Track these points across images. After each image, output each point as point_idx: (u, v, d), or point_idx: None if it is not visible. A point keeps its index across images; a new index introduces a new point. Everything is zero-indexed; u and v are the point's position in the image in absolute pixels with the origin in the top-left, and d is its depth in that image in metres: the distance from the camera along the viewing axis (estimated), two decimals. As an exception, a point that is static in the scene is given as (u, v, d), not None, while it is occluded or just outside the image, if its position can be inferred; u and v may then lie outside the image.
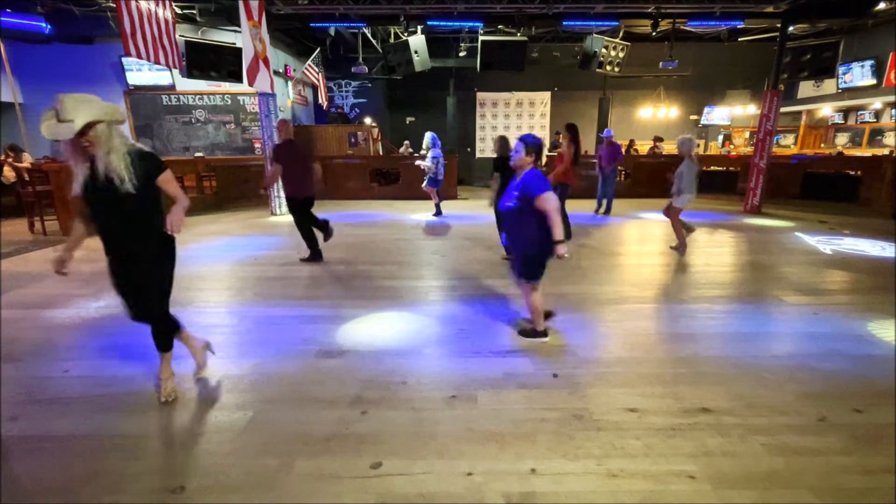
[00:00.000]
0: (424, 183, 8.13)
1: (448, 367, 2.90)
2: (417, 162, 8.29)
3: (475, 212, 8.74)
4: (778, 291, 4.30)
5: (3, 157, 8.41)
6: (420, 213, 8.72)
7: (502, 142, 5.16)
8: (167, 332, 2.51)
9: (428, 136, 7.89)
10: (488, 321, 3.61)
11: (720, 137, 15.19)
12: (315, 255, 5.38)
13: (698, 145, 6.29)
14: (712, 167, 11.10)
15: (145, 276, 2.32)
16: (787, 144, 14.48)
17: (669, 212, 5.60)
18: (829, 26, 10.58)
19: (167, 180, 2.29)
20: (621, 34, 10.84)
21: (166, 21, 6.59)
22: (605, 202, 8.55)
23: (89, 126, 2.01)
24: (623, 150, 12.67)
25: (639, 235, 6.95)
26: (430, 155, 7.86)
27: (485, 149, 15.47)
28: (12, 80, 8.60)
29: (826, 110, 13.30)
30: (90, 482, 1.94)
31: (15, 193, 7.92)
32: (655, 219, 8.13)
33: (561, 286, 4.43)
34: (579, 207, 8.78)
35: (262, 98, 8.12)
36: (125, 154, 2.11)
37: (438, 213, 8.47)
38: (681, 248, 5.68)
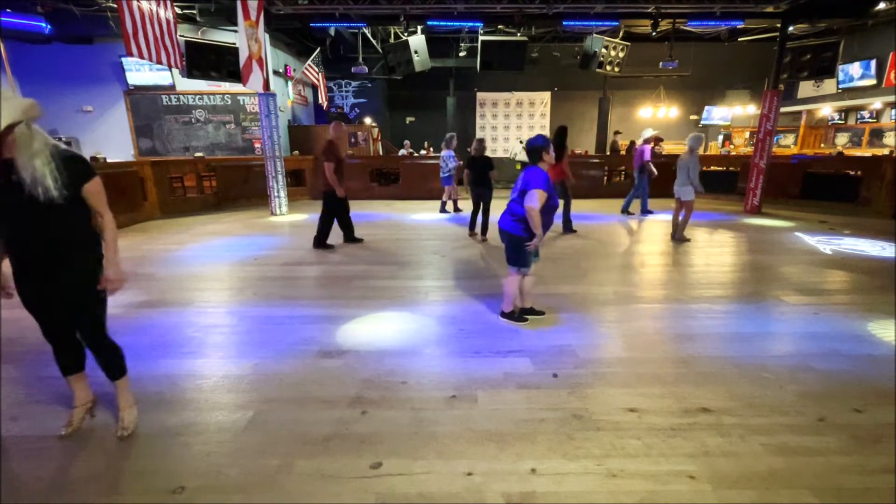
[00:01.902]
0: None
1: (448, 367, 2.90)
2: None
3: (463, 208, 8.72)
4: (778, 291, 4.30)
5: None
6: (420, 213, 8.73)
7: (480, 143, 6.38)
8: (113, 356, 2.22)
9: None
10: (488, 321, 3.61)
11: (720, 137, 15.20)
12: (321, 243, 5.94)
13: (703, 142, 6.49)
14: (712, 167, 11.10)
15: (75, 297, 2.02)
16: (787, 144, 14.48)
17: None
18: (829, 26, 10.58)
19: (94, 191, 1.99)
20: (621, 34, 10.84)
21: (167, 21, 6.59)
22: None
23: (9, 129, 1.73)
24: (623, 150, 12.73)
25: (639, 235, 6.95)
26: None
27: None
28: (12, 80, 8.59)
29: (826, 110, 13.30)
30: (90, 482, 1.94)
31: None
32: (655, 218, 8.13)
33: (561, 286, 4.43)
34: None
35: (262, 98, 8.12)
36: (49, 158, 1.83)
37: (443, 210, 8.70)
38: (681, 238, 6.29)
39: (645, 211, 8.52)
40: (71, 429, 2.22)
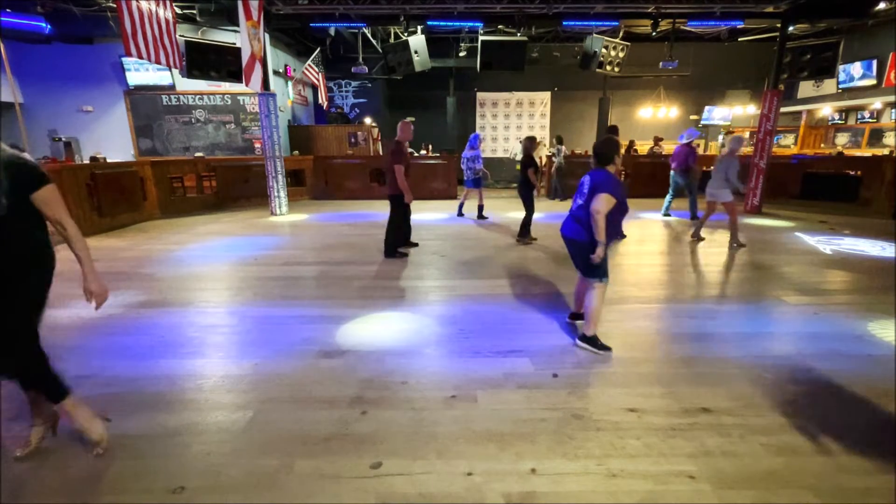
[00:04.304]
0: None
1: (448, 367, 2.90)
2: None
3: (475, 211, 8.73)
4: (778, 291, 4.30)
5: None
6: (420, 213, 8.71)
7: (531, 142, 6.14)
8: (45, 379, 2.00)
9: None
10: (488, 321, 3.61)
11: (720, 137, 15.19)
12: (393, 252, 5.61)
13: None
14: (712, 167, 11.06)
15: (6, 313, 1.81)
16: (787, 144, 14.48)
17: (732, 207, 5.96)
18: (829, 26, 10.58)
19: (47, 200, 1.80)
20: (621, 34, 10.83)
21: (167, 21, 6.60)
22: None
23: None
24: (626, 150, 12.68)
25: (639, 235, 6.94)
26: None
27: (485, 149, 15.46)
28: (12, 80, 8.59)
29: (826, 110, 13.29)
30: (90, 482, 1.94)
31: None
32: (656, 219, 8.13)
33: (562, 286, 4.43)
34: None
35: (262, 98, 8.13)
36: None
37: (479, 215, 8.25)
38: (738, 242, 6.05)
39: (695, 216, 7.76)
40: (29, 449, 2.08)
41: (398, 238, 5.68)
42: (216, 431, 2.27)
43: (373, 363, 2.94)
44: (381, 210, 9.06)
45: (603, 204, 2.82)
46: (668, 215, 8.29)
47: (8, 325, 1.84)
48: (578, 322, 3.40)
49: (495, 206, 9.74)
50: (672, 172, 7.85)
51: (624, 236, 6.59)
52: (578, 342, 3.15)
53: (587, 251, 2.96)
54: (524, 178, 6.10)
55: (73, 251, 1.90)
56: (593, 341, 3.09)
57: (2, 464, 2.05)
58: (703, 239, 6.32)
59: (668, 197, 8.22)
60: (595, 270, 3.03)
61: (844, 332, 3.40)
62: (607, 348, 3.08)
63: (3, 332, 1.84)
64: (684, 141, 7.68)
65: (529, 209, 6.27)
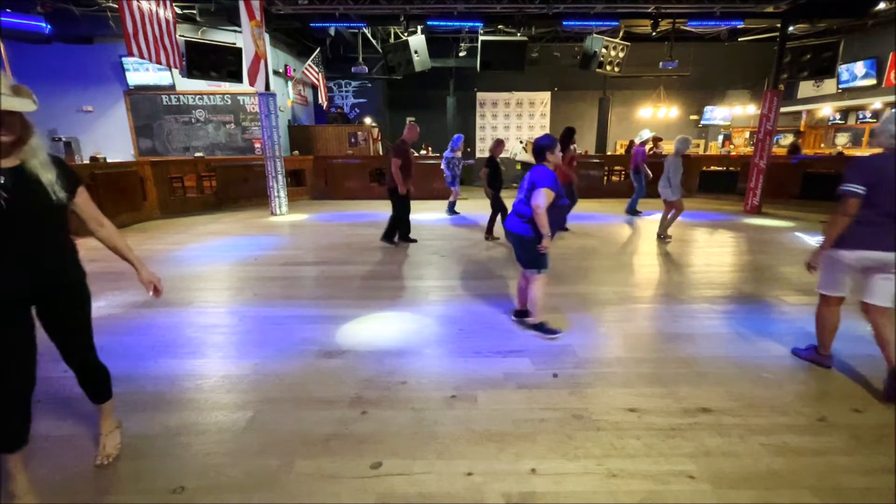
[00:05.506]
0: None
1: (448, 367, 2.90)
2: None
3: (475, 211, 8.74)
4: (778, 291, 4.30)
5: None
6: (420, 213, 8.71)
7: (496, 144, 6.39)
8: (106, 377, 2.07)
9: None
10: (488, 321, 3.61)
11: (720, 137, 15.19)
12: (389, 236, 6.13)
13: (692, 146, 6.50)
14: (712, 167, 11.10)
15: (78, 312, 1.85)
16: (787, 144, 14.47)
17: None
18: (829, 26, 10.58)
19: (87, 199, 1.84)
20: (621, 34, 10.84)
21: (167, 21, 6.61)
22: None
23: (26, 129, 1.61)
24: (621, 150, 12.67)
25: (639, 235, 6.94)
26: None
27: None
28: (12, 80, 8.59)
29: (826, 110, 13.29)
30: (90, 482, 1.94)
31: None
32: (655, 219, 8.12)
33: (561, 286, 4.43)
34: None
35: (262, 98, 8.13)
36: (48, 161, 1.68)
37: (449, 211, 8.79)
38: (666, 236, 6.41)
39: (632, 211, 8.63)
40: (107, 458, 2.03)
41: (395, 228, 6.07)
42: (216, 431, 2.27)
43: (373, 363, 2.94)
44: (381, 210, 9.07)
45: (542, 199, 2.99)
46: (637, 213, 8.66)
47: (85, 320, 1.89)
48: (528, 319, 3.49)
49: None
50: (630, 172, 8.41)
51: (566, 230, 6.94)
52: (529, 330, 3.40)
53: (528, 245, 3.17)
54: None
55: (115, 247, 1.92)
56: (541, 327, 3.33)
57: (1, 464, 2.04)
58: (668, 238, 6.47)
59: (651, 198, 8.52)
60: (535, 262, 3.23)
61: (844, 332, 3.38)
62: (555, 331, 3.30)
63: (82, 329, 1.90)
64: (637, 141, 8.14)
65: (495, 208, 6.29)
